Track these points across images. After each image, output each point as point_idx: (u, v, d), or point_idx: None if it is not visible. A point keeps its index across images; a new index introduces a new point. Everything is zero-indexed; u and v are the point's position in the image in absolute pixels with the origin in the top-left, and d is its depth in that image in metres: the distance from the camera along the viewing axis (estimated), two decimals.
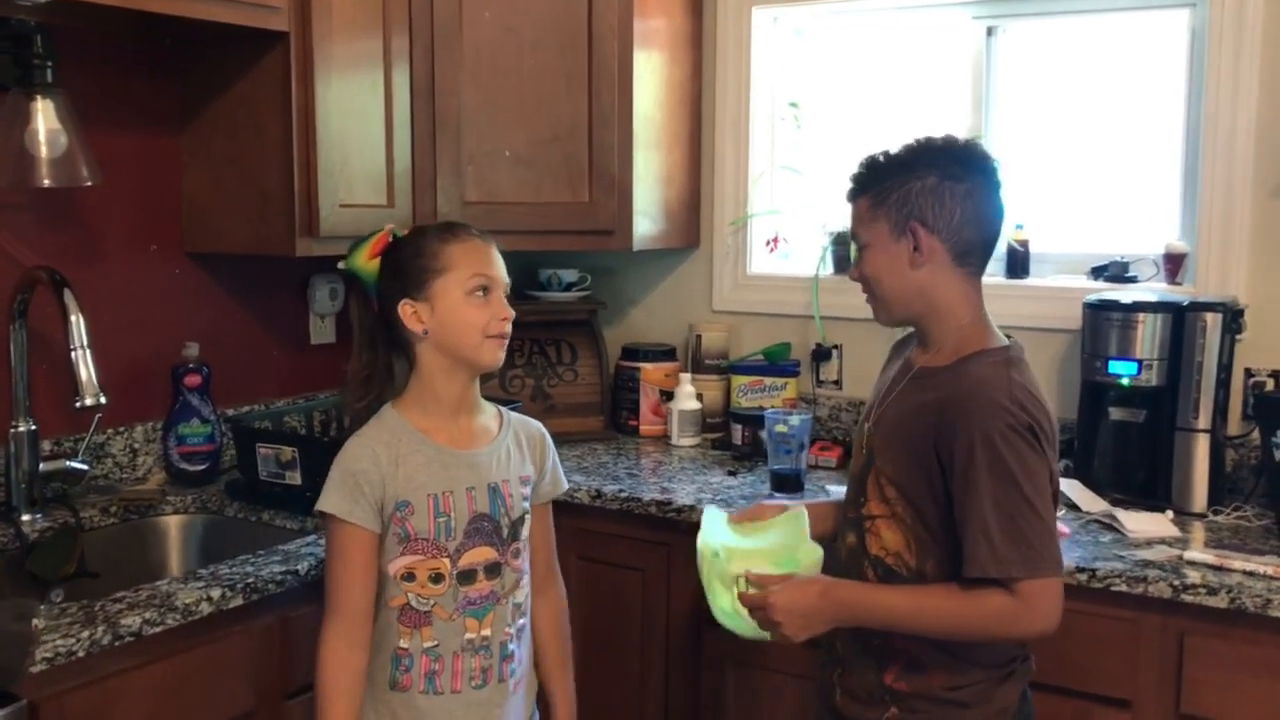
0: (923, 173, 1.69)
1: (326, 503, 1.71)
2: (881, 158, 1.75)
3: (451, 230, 1.78)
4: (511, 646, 1.80)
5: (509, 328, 1.77)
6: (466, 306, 1.73)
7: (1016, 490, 1.57)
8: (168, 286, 2.53)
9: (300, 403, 2.68)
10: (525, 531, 1.83)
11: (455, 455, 1.76)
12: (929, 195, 1.69)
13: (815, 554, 1.76)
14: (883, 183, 1.72)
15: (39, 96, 2.08)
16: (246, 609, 1.86)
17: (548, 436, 1.93)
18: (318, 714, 1.70)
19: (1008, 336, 1.74)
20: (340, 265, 1.84)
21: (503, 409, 1.90)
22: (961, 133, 2.75)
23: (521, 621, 1.82)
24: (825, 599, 1.67)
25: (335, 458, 1.75)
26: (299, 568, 1.93)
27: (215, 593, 1.80)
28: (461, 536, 1.73)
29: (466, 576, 1.74)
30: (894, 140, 1.77)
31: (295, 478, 2.25)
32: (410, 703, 1.74)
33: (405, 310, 1.73)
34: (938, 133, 1.76)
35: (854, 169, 1.78)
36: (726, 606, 1.78)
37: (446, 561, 1.73)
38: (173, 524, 2.33)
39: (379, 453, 1.72)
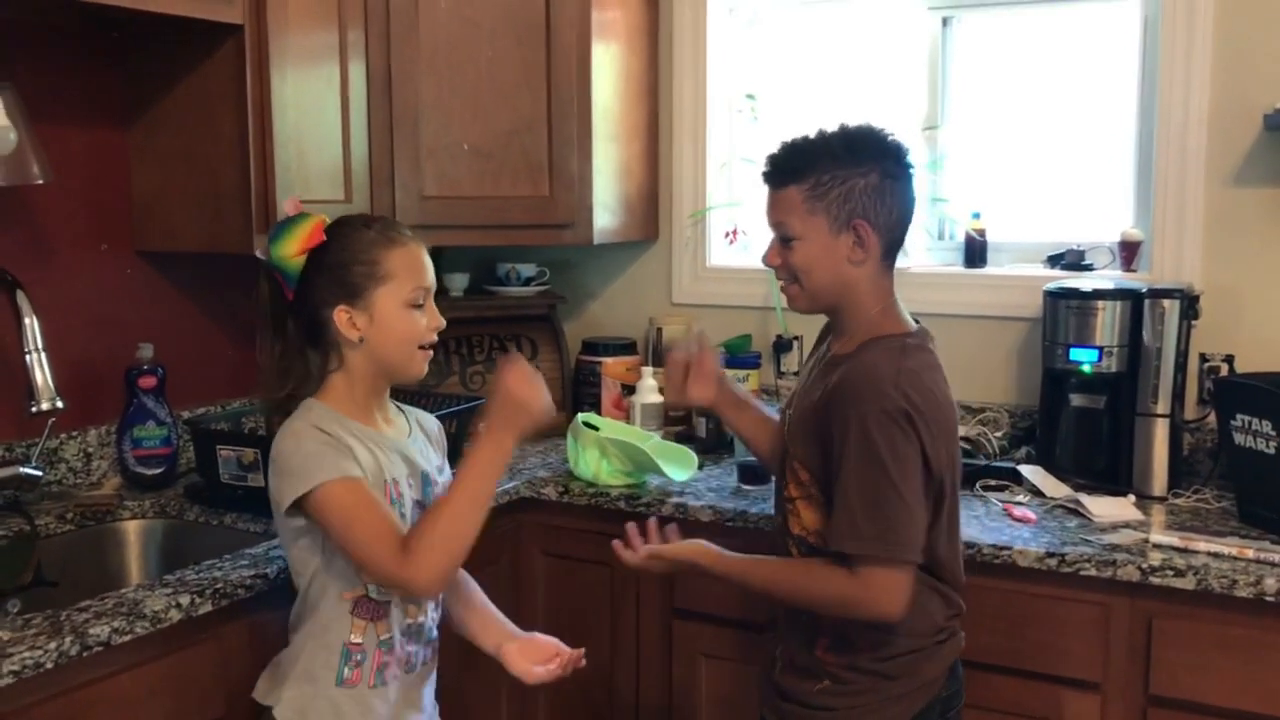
0: (865, 169, 1.70)
1: (321, 474, 1.60)
2: (810, 145, 1.73)
3: (388, 235, 1.73)
4: (435, 633, 1.82)
5: (435, 339, 1.76)
6: (404, 318, 1.71)
7: (883, 473, 1.61)
8: (119, 286, 2.46)
9: (257, 403, 2.63)
10: None
11: (393, 441, 1.76)
12: (874, 192, 1.70)
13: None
14: (819, 174, 1.70)
15: None
16: (216, 615, 1.81)
17: (442, 430, 1.96)
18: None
19: (916, 322, 1.79)
20: (259, 254, 1.78)
21: (398, 404, 1.87)
22: (916, 122, 2.83)
23: (439, 611, 1.84)
24: (706, 564, 1.81)
25: (286, 439, 1.66)
26: (268, 571, 1.89)
27: (184, 599, 1.76)
28: (408, 524, 1.69)
29: None
30: (882, 118, 1.80)
31: (258, 479, 2.20)
32: (358, 698, 1.70)
33: (341, 317, 1.69)
34: (850, 119, 1.76)
35: (774, 153, 1.77)
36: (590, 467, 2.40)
37: None
38: (131, 529, 2.27)
39: (334, 434, 1.66)
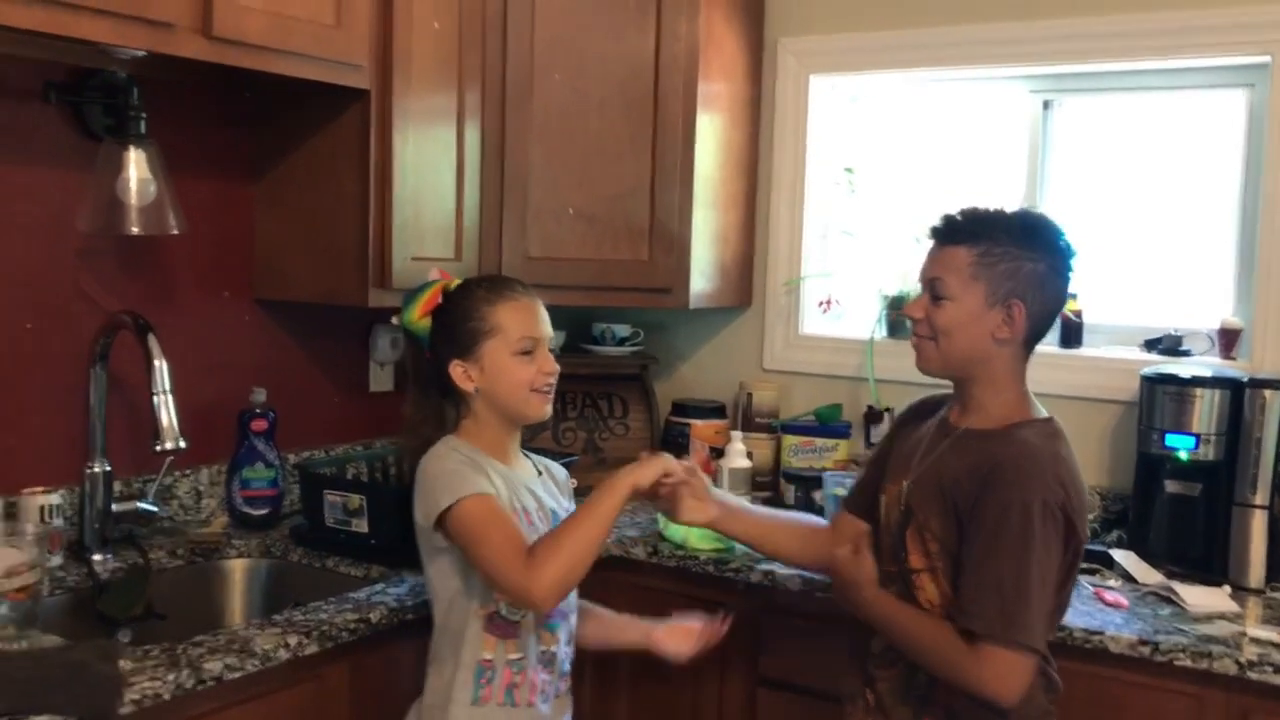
0: (1038, 256, 1.75)
1: (460, 490, 1.74)
2: (991, 215, 1.77)
3: (497, 290, 1.89)
4: (568, 666, 1.92)
5: (554, 380, 1.88)
6: (513, 366, 1.85)
7: (1034, 563, 1.64)
8: (237, 332, 2.57)
9: (359, 449, 2.72)
10: None
11: (523, 479, 1.91)
12: (1038, 281, 1.75)
13: None
14: (992, 244, 1.74)
15: (132, 147, 2.14)
16: (319, 656, 1.88)
17: (569, 479, 2.08)
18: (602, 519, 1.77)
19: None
20: (393, 321, 1.96)
21: (527, 452, 2.02)
22: (1015, 202, 2.84)
23: (571, 646, 1.93)
24: (857, 591, 1.81)
25: (431, 462, 1.81)
26: (371, 616, 1.96)
27: (292, 639, 1.83)
28: None
29: None
30: (981, 198, 1.84)
31: (362, 525, 2.27)
32: (489, 716, 1.80)
33: (456, 371, 1.86)
34: (1032, 204, 1.85)
35: (952, 213, 1.80)
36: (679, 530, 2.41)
37: None
38: (237, 568, 2.36)
39: (470, 457, 1.82)
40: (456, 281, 1.94)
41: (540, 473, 1.99)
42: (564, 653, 1.90)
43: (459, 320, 1.86)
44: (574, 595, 1.92)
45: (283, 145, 2.51)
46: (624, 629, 2.06)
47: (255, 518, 2.48)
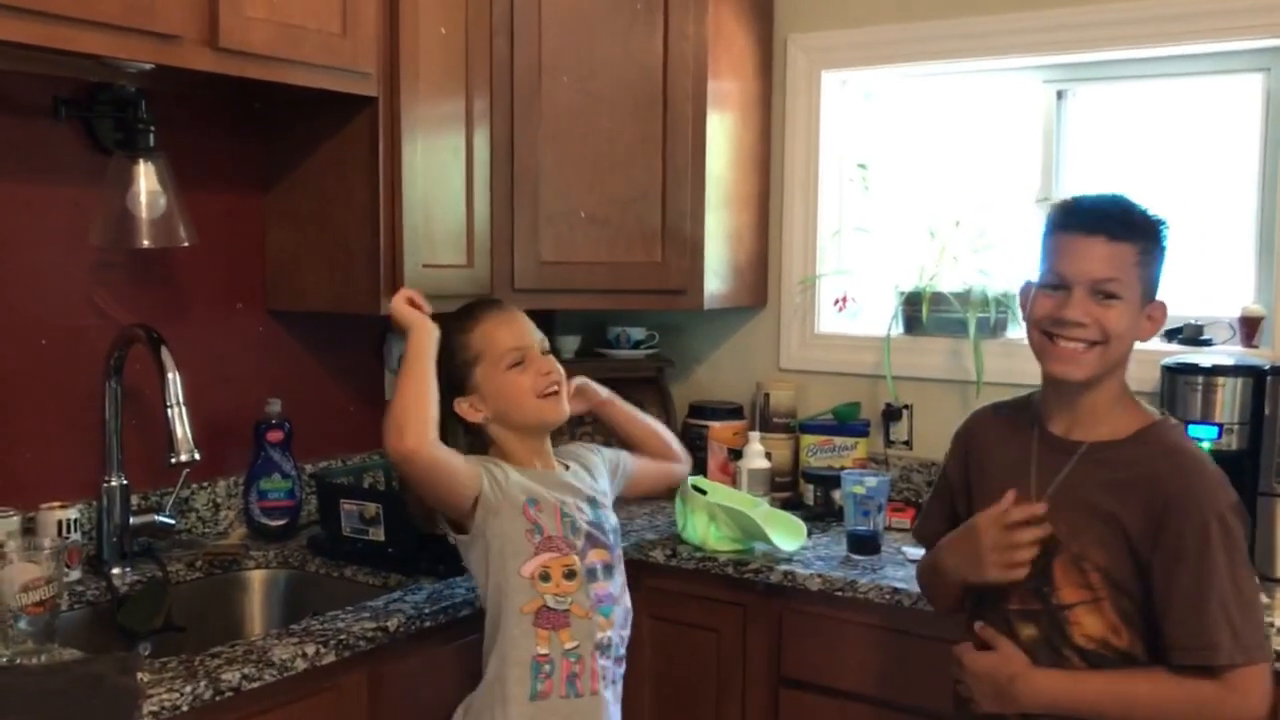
0: (1162, 254, 1.69)
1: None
2: (1137, 209, 1.68)
3: (469, 316, 1.92)
4: (623, 650, 1.92)
5: (558, 378, 1.91)
6: (510, 381, 1.88)
7: (1248, 571, 1.57)
8: (251, 343, 2.57)
9: (375, 458, 2.71)
10: (621, 543, 1.97)
11: (554, 475, 1.93)
12: (1159, 280, 1.70)
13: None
14: (1148, 242, 1.66)
15: (141, 160, 2.15)
16: (338, 665, 1.88)
17: (593, 450, 2.11)
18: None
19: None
20: None
21: (560, 456, 2.03)
22: (1030, 194, 2.83)
23: (630, 630, 1.93)
24: (1015, 685, 1.63)
25: None
26: (389, 624, 1.95)
27: (309, 649, 1.82)
28: (583, 538, 1.86)
29: (592, 574, 1.85)
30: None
31: (379, 534, 2.27)
32: (553, 709, 1.80)
33: (463, 408, 1.89)
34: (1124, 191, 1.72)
35: (1105, 205, 1.68)
36: (698, 532, 2.43)
37: (575, 558, 1.83)
38: (256, 579, 2.36)
39: (497, 460, 1.88)
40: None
41: (571, 467, 2.00)
42: (619, 637, 1.90)
43: (443, 363, 1.86)
44: (620, 577, 1.93)
45: (292, 155, 2.51)
46: (617, 425, 2.22)
47: (273, 529, 2.48)
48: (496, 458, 1.90)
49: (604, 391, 2.18)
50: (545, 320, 3.10)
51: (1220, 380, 2.30)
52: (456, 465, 1.80)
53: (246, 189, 2.54)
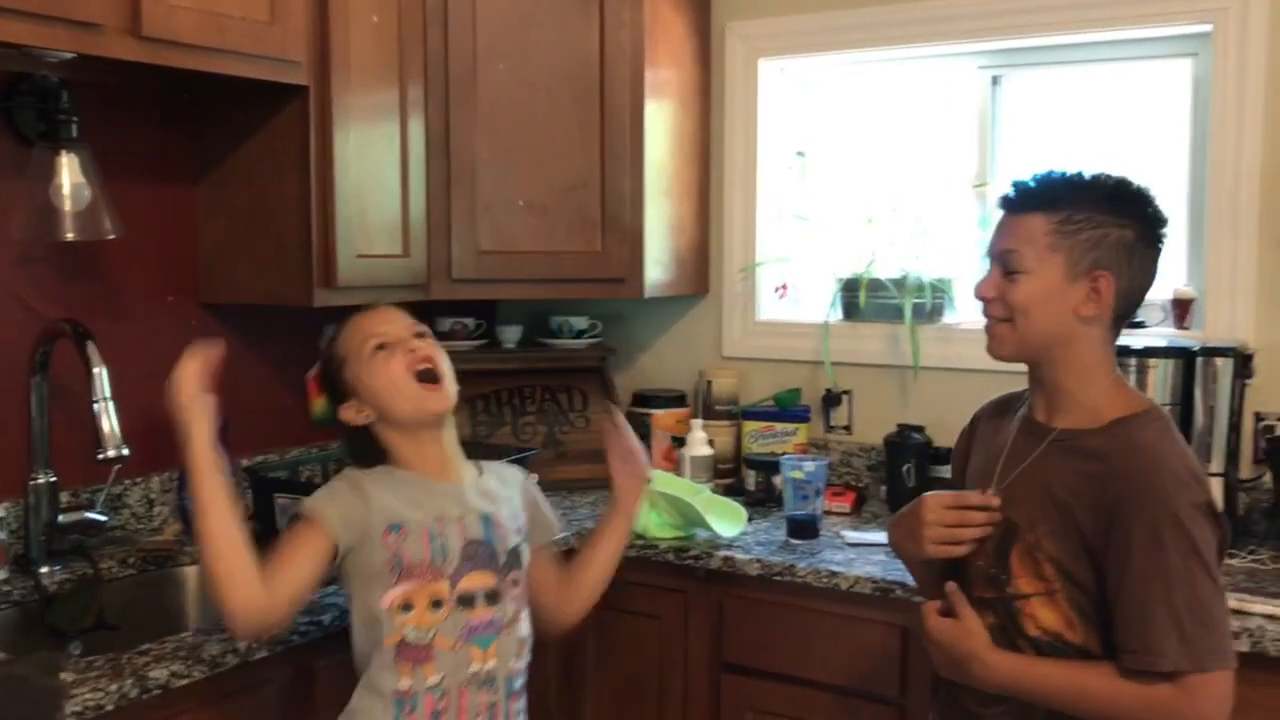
0: (1125, 223, 1.57)
1: (306, 503, 1.69)
2: (1072, 179, 1.59)
3: (339, 326, 1.82)
4: (518, 684, 1.76)
5: (429, 355, 1.75)
6: (376, 368, 1.73)
7: (1206, 574, 1.49)
8: (184, 337, 2.50)
9: (314, 452, 2.69)
10: (524, 563, 1.78)
11: (441, 486, 1.75)
12: (1125, 250, 1.57)
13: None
14: (1074, 210, 1.56)
15: (64, 151, 2.10)
16: (270, 660, 1.86)
17: (525, 477, 1.93)
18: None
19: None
20: (314, 426, 1.93)
21: (483, 463, 1.88)
22: (966, 179, 2.85)
23: (528, 659, 1.78)
24: (971, 664, 1.60)
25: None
26: (322, 619, 1.93)
27: (241, 645, 1.80)
28: (458, 560, 1.69)
29: (466, 601, 1.68)
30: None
31: None
32: None
33: (348, 414, 1.77)
34: (1118, 169, 1.63)
35: (1024, 178, 1.62)
36: (639, 520, 2.34)
37: (445, 584, 1.67)
38: (191, 575, 2.32)
39: (371, 477, 1.73)
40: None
41: (482, 475, 1.84)
42: (509, 669, 1.74)
43: (325, 374, 1.81)
44: (526, 613, 1.79)
45: (223, 146, 2.47)
46: (600, 534, 1.98)
47: None
48: (390, 466, 1.76)
49: (639, 453, 2.02)
50: (486, 311, 3.10)
51: (1151, 362, 2.33)
52: (301, 566, 1.64)
53: (178, 181, 2.50)
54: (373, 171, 2.46)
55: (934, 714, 1.77)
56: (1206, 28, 2.51)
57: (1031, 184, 1.62)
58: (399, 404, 1.73)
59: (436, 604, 1.66)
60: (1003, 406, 1.78)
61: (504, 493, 1.83)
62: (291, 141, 2.36)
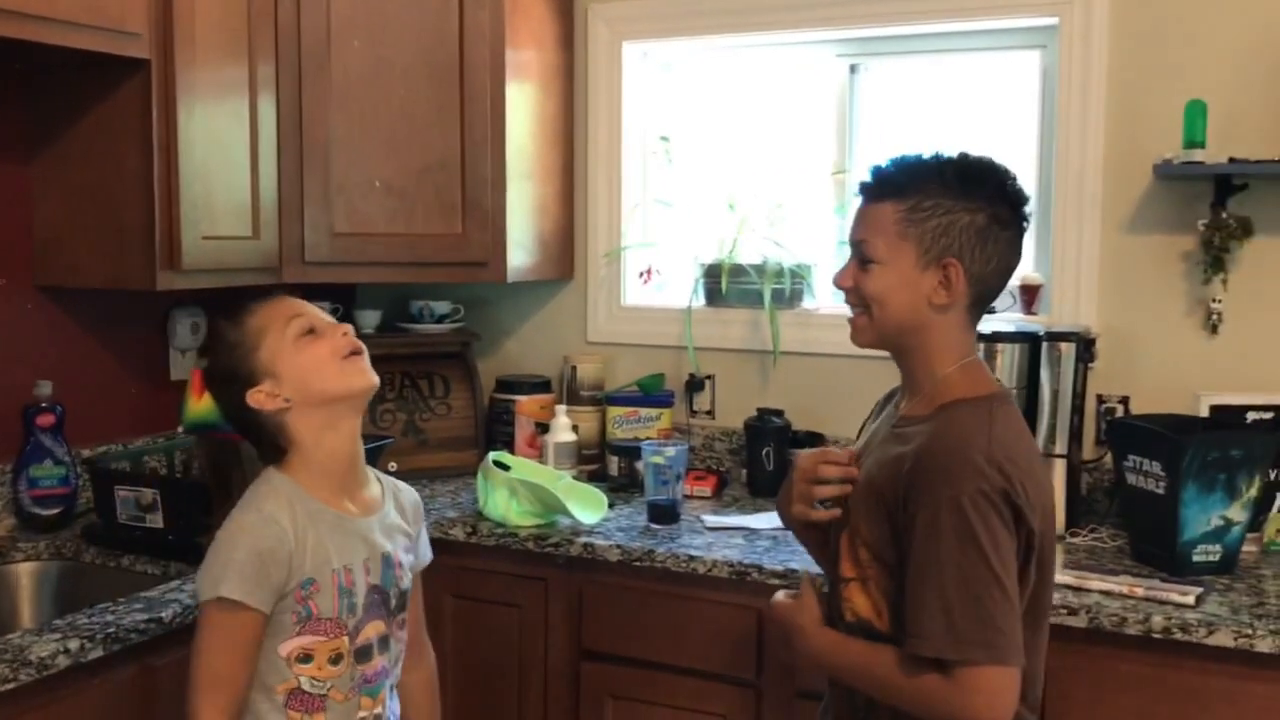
0: (975, 207, 1.52)
1: (226, 587, 1.53)
2: (920, 164, 1.56)
3: (242, 309, 1.67)
4: (394, 710, 1.74)
5: (359, 346, 1.66)
6: (304, 350, 1.62)
7: (984, 564, 1.41)
8: (17, 322, 2.41)
9: (160, 441, 2.59)
10: (409, 600, 1.75)
11: (353, 524, 1.66)
12: (975, 235, 1.52)
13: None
14: (922, 197, 1.52)
15: None
16: (107, 660, 1.78)
17: (421, 505, 1.85)
18: None
19: (997, 380, 1.64)
20: (181, 432, 1.79)
21: (379, 473, 1.80)
22: (826, 166, 2.88)
23: (396, 700, 1.75)
24: (794, 638, 1.63)
25: (228, 530, 1.58)
26: (163, 615, 1.86)
27: (73, 644, 1.72)
28: (361, 613, 1.64)
29: (363, 654, 1.64)
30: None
31: (157, 520, 2.16)
32: None
33: (257, 398, 1.62)
34: (971, 149, 1.58)
35: (878, 165, 1.59)
36: (499, 508, 2.43)
37: (346, 640, 1.62)
38: (24, 572, 2.22)
39: (284, 527, 1.58)
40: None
41: (385, 503, 1.74)
42: (390, 710, 1.71)
43: (226, 362, 1.64)
44: (397, 646, 1.71)
45: (60, 122, 2.35)
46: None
47: (46, 518, 2.33)
48: (294, 477, 1.63)
49: None
50: (344, 295, 3.02)
51: (999, 347, 2.39)
52: (251, 662, 1.58)
53: (10, 159, 2.37)
54: (220, 150, 2.37)
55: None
56: (1053, 20, 2.58)
57: (885, 170, 1.59)
58: (327, 382, 1.62)
59: (336, 659, 1.61)
60: (891, 395, 1.76)
61: (401, 524, 1.76)
62: (133, 118, 2.26)
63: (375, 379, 1.67)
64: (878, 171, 1.59)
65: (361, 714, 1.65)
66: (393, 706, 1.74)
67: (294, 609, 1.58)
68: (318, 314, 1.68)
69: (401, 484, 1.84)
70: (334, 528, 1.63)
